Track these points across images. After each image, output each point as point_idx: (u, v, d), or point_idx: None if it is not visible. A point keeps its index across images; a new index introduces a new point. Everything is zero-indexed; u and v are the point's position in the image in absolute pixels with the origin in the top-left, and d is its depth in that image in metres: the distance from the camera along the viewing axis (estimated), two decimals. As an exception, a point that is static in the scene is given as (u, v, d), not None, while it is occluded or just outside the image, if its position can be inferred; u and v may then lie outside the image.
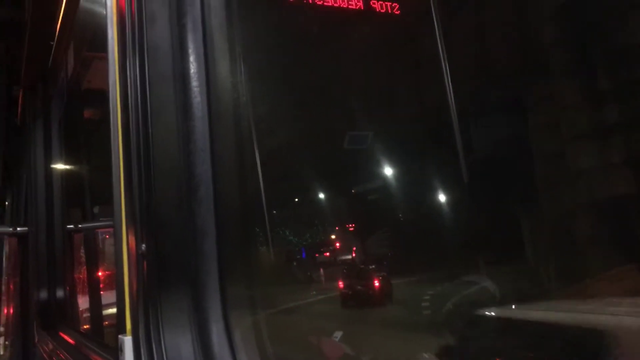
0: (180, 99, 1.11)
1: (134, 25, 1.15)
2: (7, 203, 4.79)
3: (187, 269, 1.05)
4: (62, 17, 3.00)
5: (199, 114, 1.10)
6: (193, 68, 1.11)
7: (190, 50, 1.11)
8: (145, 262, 1.07)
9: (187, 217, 1.07)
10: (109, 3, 1.27)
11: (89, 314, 3.80)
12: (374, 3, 5.26)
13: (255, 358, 1.01)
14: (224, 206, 1.12)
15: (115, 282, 1.18)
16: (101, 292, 4.05)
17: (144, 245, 1.08)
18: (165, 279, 1.04)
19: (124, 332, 1.14)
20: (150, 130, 1.10)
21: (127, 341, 1.08)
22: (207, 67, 1.12)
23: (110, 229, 1.33)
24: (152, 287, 1.05)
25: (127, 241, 1.13)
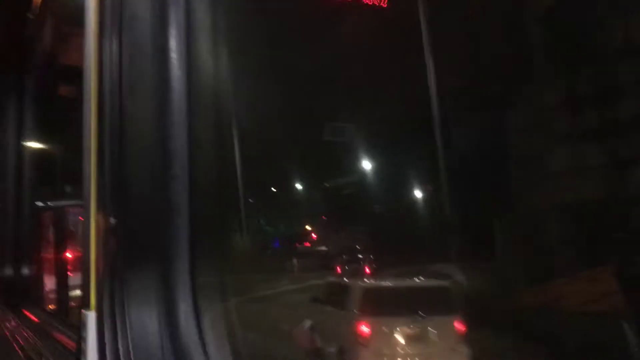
0: (158, 72, 1.08)
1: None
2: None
3: (157, 245, 1.02)
4: (41, -12, 2.91)
5: (177, 87, 1.07)
6: (173, 40, 1.08)
7: (171, 22, 1.08)
8: (114, 236, 1.05)
9: (160, 192, 1.05)
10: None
11: (54, 294, 3.73)
12: (362, -6, 5.21)
13: (223, 337, 0.99)
14: (199, 183, 1.09)
15: (82, 256, 1.15)
16: (69, 274, 3.97)
17: (113, 218, 1.05)
18: (133, 254, 1.02)
19: (88, 307, 1.11)
20: (125, 102, 1.07)
21: (91, 316, 1.05)
22: (188, 40, 1.09)
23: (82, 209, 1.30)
24: (120, 262, 1.02)
25: (95, 214, 1.09)
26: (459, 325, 3.20)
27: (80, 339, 1.11)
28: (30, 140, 3.79)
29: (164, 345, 0.95)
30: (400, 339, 3.05)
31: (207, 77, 1.12)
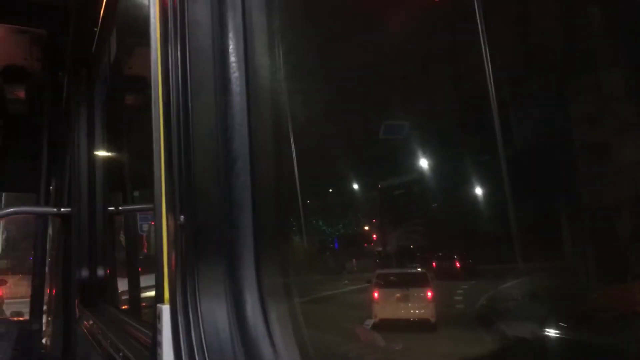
0: (219, 74, 1.13)
1: (175, 3, 1.17)
2: (52, 185, 4.96)
3: (223, 241, 1.07)
4: (106, 3, 3.07)
5: (237, 89, 1.11)
6: (232, 44, 1.12)
7: (230, 26, 1.12)
8: (183, 234, 1.10)
9: (224, 190, 1.09)
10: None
11: (127, 294, 3.92)
12: (412, -14, 5.15)
13: (288, 328, 1.02)
14: (260, 181, 1.13)
15: (155, 254, 1.22)
16: (140, 275, 4.17)
17: (182, 217, 1.10)
18: (202, 249, 1.07)
19: (162, 301, 1.17)
20: (189, 105, 1.12)
21: (165, 309, 1.11)
22: (246, 43, 1.13)
23: (150, 212, 1.37)
24: (190, 258, 1.07)
25: (166, 214, 1.16)
26: (430, 293, 5.53)
27: (156, 331, 1.17)
28: (101, 148, 4.00)
29: (234, 336, 0.99)
30: (394, 299, 5.47)
31: (264, 78, 1.16)
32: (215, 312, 1.01)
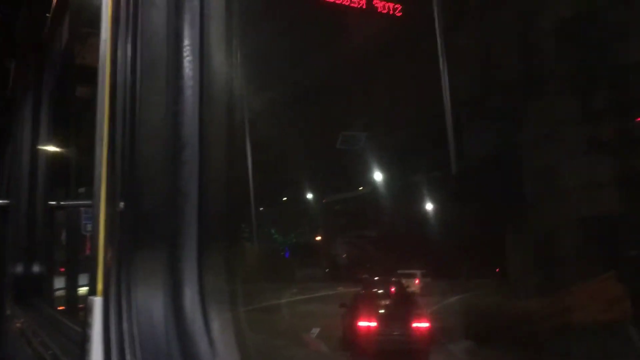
0: (172, 57, 1.08)
1: (129, -20, 1.12)
2: (-10, 176, 4.71)
3: (165, 230, 1.01)
4: (60, -12, 2.95)
5: (189, 74, 1.07)
6: (187, 26, 1.08)
7: (186, 8, 1.08)
8: (122, 221, 1.04)
9: (170, 177, 1.04)
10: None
11: (64, 292, 3.74)
12: (376, 2, 5.23)
13: (228, 325, 0.97)
14: (209, 171, 1.09)
15: (91, 242, 1.15)
16: (79, 273, 3.99)
17: (122, 203, 1.04)
18: (141, 238, 1.01)
19: (94, 293, 1.10)
20: (138, 87, 1.07)
21: (97, 302, 1.05)
22: (202, 27, 1.09)
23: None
24: (128, 247, 1.01)
25: (105, 198, 1.09)
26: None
27: (86, 326, 1.10)
28: (46, 139, 3.83)
29: (169, 329, 0.94)
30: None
31: (219, 64, 1.12)
32: (151, 304, 0.96)
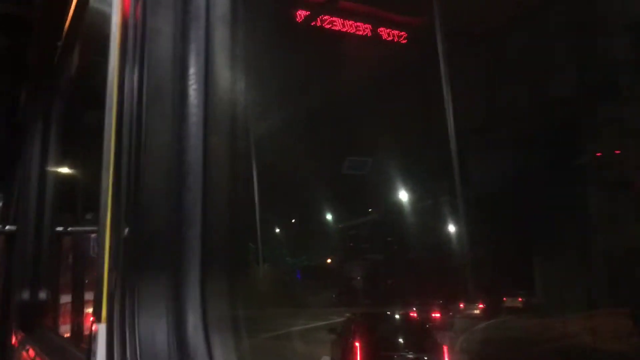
0: (177, 84, 1.09)
1: (137, 10, 1.14)
2: (-2, 202, 4.74)
3: (168, 256, 1.01)
4: (72, 17, 3.01)
5: (194, 102, 1.08)
6: (193, 54, 1.09)
7: (192, 37, 1.10)
8: (126, 247, 1.04)
9: (174, 204, 1.04)
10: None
11: (70, 318, 3.72)
12: (381, 30, 5.30)
13: (231, 350, 0.96)
14: (213, 197, 1.09)
15: (96, 269, 1.15)
16: (85, 299, 3.97)
17: (127, 229, 1.04)
18: (145, 265, 1.01)
19: (99, 320, 1.10)
20: (144, 114, 1.08)
21: (101, 328, 1.04)
22: (207, 54, 1.11)
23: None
24: (132, 273, 1.01)
25: (110, 224, 1.10)
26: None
27: (90, 353, 1.10)
28: (54, 165, 3.86)
29: (172, 357, 0.93)
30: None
31: (224, 91, 1.13)
32: (154, 331, 0.95)
